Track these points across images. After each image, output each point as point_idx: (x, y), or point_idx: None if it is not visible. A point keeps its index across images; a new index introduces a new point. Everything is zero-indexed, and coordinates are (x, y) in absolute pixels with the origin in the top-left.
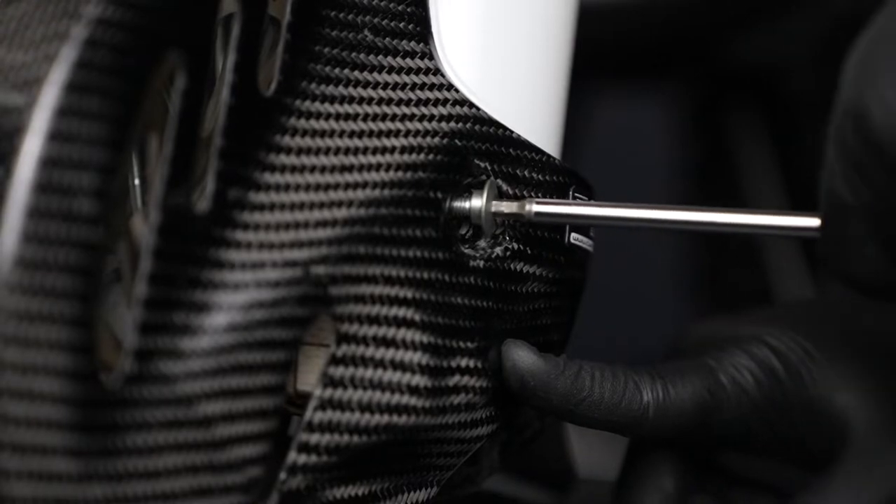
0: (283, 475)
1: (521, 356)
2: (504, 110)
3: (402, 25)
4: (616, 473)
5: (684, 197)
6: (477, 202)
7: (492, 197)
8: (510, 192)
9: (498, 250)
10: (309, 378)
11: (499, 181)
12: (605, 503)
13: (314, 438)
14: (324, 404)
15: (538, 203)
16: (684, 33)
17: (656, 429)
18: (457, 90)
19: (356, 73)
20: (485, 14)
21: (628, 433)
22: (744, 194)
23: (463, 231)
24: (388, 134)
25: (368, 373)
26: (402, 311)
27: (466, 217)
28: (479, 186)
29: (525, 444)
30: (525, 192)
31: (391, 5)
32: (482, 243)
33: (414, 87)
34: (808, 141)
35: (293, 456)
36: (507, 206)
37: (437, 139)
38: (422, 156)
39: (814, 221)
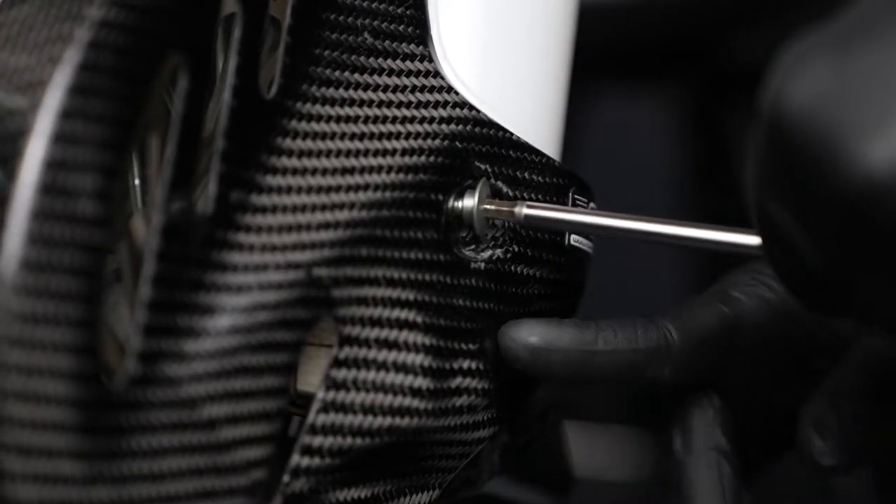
0: (286, 478)
1: (518, 325)
2: (504, 112)
3: (401, 28)
4: (614, 474)
5: (684, 197)
6: (469, 202)
7: (483, 197)
8: (510, 193)
9: (498, 252)
10: (311, 378)
11: (499, 183)
12: None
13: (317, 441)
14: (326, 406)
15: (529, 206)
16: (684, 33)
17: (684, 352)
18: (456, 92)
19: (356, 75)
20: (484, 16)
21: (657, 368)
22: (743, 195)
23: (464, 233)
24: (389, 136)
25: (371, 375)
26: (403, 313)
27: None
28: (476, 187)
29: (525, 446)
30: (525, 194)
31: (390, 8)
32: (483, 245)
33: (414, 89)
34: None
35: (296, 458)
36: (497, 208)
37: (437, 141)
38: (422, 158)
39: (754, 239)
